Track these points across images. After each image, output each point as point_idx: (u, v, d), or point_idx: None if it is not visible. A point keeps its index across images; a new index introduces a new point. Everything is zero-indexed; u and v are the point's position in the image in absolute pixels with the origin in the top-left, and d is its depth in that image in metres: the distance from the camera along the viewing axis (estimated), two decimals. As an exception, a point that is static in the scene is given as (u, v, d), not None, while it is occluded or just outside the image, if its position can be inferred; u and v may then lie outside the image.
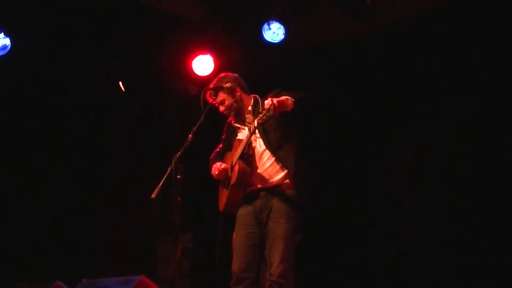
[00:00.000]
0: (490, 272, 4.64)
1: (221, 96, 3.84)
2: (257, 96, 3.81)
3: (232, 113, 3.85)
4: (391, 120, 5.52)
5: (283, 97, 3.44)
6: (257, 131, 3.64)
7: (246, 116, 3.81)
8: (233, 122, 3.90)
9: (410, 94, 5.39)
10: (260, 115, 3.42)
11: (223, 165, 3.81)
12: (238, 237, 3.66)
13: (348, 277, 5.48)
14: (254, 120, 3.53)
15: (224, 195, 3.77)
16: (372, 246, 5.43)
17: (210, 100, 3.87)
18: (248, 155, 3.66)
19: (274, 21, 5.53)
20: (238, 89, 3.86)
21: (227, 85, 3.82)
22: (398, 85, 5.47)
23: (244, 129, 3.80)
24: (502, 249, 4.62)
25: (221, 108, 3.87)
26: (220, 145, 4.04)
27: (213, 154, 4.03)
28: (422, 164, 5.25)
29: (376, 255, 5.38)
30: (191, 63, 6.09)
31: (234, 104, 3.82)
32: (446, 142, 5.11)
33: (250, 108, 3.82)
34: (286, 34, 5.52)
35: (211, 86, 3.88)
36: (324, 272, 5.58)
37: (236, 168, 3.64)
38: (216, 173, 3.81)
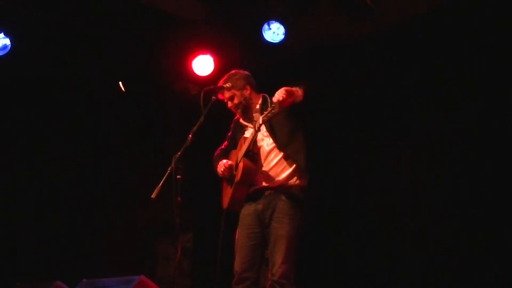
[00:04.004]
0: (490, 273, 4.64)
1: (229, 93, 3.84)
2: (266, 95, 3.80)
3: (239, 111, 3.85)
4: (391, 120, 5.52)
5: (293, 88, 3.46)
6: (264, 129, 3.64)
7: (254, 114, 3.81)
8: (240, 119, 3.89)
9: (410, 94, 5.39)
10: (265, 112, 3.44)
11: (229, 162, 3.81)
12: (240, 236, 3.66)
13: (348, 277, 5.48)
14: (259, 118, 3.54)
15: (228, 193, 3.77)
16: (372, 246, 5.43)
17: (220, 96, 3.87)
18: (253, 153, 3.66)
19: (274, 21, 5.53)
20: (248, 87, 3.86)
21: (238, 82, 3.84)
22: (398, 85, 5.47)
23: (252, 127, 3.79)
24: (502, 250, 4.62)
25: (229, 104, 3.87)
26: (225, 143, 4.03)
27: (217, 151, 4.02)
28: (422, 164, 5.25)
29: (376, 255, 5.38)
30: (191, 63, 6.10)
31: (243, 101, 3.82)
32: (446, 142, 5.10)
33: (258, 106, 3.81)
34: (286, 34, 5.52)
35: (220, 82, 3.88)
36: (324, 272, 5.58)
37: (241, 165, 3.64)
38: (222, 170, 3.81)
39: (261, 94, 3.86)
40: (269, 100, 3.71)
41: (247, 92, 3.84)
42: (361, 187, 5.61)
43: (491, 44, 4.88)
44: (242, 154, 3.66)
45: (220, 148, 4.03)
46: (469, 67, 5.01)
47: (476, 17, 4.95)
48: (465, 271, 4.78)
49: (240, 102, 3.82)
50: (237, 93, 3.83)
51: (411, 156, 5.35)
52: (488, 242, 4.68)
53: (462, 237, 4.87)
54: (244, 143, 3.73)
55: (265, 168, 3.66)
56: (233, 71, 3.95)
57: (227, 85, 3.84)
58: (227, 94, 3.85)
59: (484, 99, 4.89)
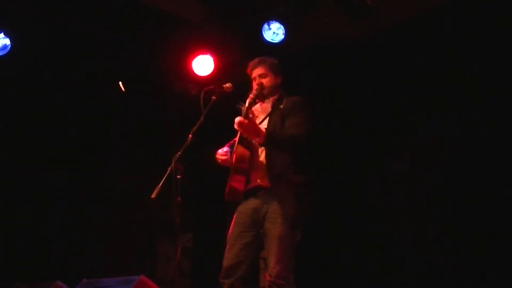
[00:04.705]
0: (490, 273, 4.64)
1: (265, 70, 3.75)
2: (284, 93, 3.75)
3: (259, 93, 3.67)
4: (391, 120, 5.52)
5: (258, 131, 3.45)
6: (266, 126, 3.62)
7: (265, 105, 3.76)
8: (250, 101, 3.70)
9: (410, 94, 5.40)
10: (250, 95, 3.48)
11: (224, 149, 3.78)
12: (233, 234, 3.63)
13: (348, 277, 5.48)
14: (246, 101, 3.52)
15: (227, 182, 3.74)
16: (372, 246, 5.43)
17: (248, 71, 3.81)
18: (247, 140, 3.60)
19: (274, 21, 5.53)
20: (280, 77, 3.80)
21: (275, 67, 3.77)
22: (398, 85, 5.48)
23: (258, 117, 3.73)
24: (502, 250, 4.62)
25: (257, 81, 3.74)
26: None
27: (231, 142, 3.99)
28: (422, 164, 5.25)
29: (376, 255, 5.38)
30: (191, 63, 6.10)
31: (272, 86, 3.72)
32: (446, 142, 5.11)
33: (272, 99, 3.74)
34: (286, 34, 5.53)
35: (256, 61, 3.80)
36: (324, 272, 5.58)
37: (236, 152, 3.62)
38: (219, 159, 3.77)
39: (281, 91, 3.79)
40: (285, 98, 3.69)
41: (278, 81, 3.77)
42: (361, 187, 5.61)
43: (491, 44, 4.88)
44: (237, 141, 3.65)
45: (229, 143, 3.99)
46: (469, 67, 5.02)
47: (476, 17, 4.95)
48: (465, 271, 4.78)
49: (269, 86, 3.70)
50: (272, 76, 3.75)
51: (411, 156, 5.35)
52: (488, 242, 4.68)
53: (462, 237, 4.87)
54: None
55: (261, 165, 3.62)
56: (267, 57, 3.85)
57: (227, 85, 3.82)
58: (259, 71, 3.76)
59: (484, 98, 4.89)
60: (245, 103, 3.63)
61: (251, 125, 3.46)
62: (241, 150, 3.60)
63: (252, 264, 3.65)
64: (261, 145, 3.54)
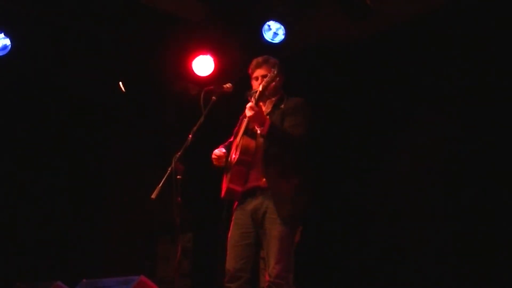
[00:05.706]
0: (489, 273, 4.64)
1: (268, 71, 3.67)
2: (285, 94, 3.76)
3: (268, 84, 3.56)
4: (391, 120, 5.52)
5: (264, 120, 3.44)
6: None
7: (266, 105, 3.76)
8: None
9: (409, 95, 5.39)
10: (266, 78, 3.46)
11: (222, 150, 3.78)
12: (233, 236, 3.63)
13: (348, 277, 5.47)
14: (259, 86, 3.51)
15: (226, 180, 3.73)
16: (372, 247, 5.43)
17: (249, 71, 3.80)
18: (253, 131, 3.59)
19: (274, 21, 5.53)
20: (282, 77, 3.73)
21: (278, 69, 3.69)
22: (397, 85, 5.47)
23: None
24: (501, 250, 4.62)
25: (259, 81, 3.69)
26: (231, 138, 3.97)
27: (226, 143, 3.98)
28: (421, 165, 5.24)
29: (375, 255, 5.38)
30: (191, 63, 6.10)
31: (273, 87, 3.66)
32: (445, 143, 5.10)
33: (273, 100, 3.75)
34: (286, 34, 5.52)
35: (258, 60, 3.79)
36: (324, 272, 5.58)
37: (240, 144, 3.60)
38: (215, 158, 3.77)
39: (282, 92, 3.78)
40: (285, 99, 3.69)
41: (280, 82, 3.71)
42: (360, 187, 5.61)
43: (491, 44, 4.88)
44: (242, 133, 3.63)
45: (229, 140, 3.98)
46: (469, 67, 5.01)
47: (476, 17, 4.95)
48: (465, 271, 4.78)
49: (271, 88, 3.60)
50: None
51: (411, 156, 5.35)
52: (489, 242, 4.67)
53: (462, 237, 4.86)
54: (244, 123, 3.67)
55: (261, 165, 3.60)
56: (269, 57, 3.82)
57: (227, 85, 3.82)
58: (263, 72, 3.71)
59: (485, 98, 4.89)
60: (250, 96, 3.62)
61: (259, 112, 3.44)
62: (246, 141, 3.59)
63: (255, 264, 3.64)
64: (263, 136, 3.52)
